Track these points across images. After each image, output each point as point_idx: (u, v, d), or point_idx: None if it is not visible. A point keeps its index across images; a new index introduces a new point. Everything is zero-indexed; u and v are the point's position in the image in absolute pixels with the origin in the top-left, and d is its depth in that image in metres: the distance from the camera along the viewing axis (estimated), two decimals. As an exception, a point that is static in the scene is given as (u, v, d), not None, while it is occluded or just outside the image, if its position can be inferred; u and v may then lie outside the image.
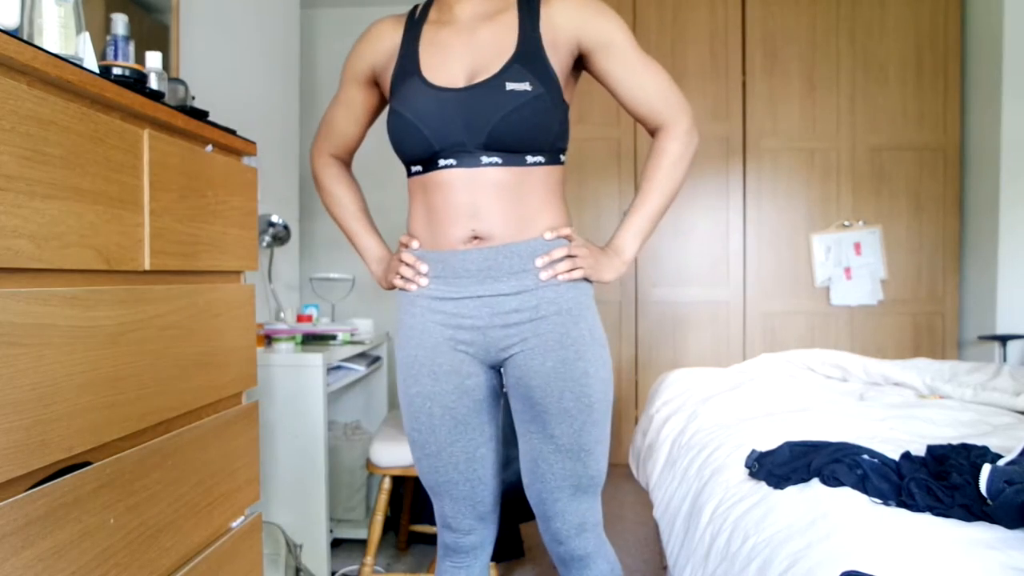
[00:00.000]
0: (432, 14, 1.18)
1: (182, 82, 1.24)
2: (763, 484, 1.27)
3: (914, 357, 2.92)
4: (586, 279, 1.16)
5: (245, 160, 1.34)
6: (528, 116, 1.07)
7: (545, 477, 1.15)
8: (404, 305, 1.19)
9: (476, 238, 1.10)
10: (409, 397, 1.17)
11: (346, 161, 1.33)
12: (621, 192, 3.28)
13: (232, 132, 1.28)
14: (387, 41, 1.19)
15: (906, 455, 1.23)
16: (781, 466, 1.27)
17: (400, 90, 1.13)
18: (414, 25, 1.18)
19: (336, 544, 2.44)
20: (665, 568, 2.10)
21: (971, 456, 1.19)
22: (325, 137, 1.30)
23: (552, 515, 1.17)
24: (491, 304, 1.11)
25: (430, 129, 1.08)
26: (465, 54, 1.11)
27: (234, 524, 1.25)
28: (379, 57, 1.20)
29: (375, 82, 1.24)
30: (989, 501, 1.01)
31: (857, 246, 3.19)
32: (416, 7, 1.22)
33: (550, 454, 1.14)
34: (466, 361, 1.15)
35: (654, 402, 2.33)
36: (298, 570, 1.90)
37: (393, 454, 2.03)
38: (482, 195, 1.09)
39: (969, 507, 1.02)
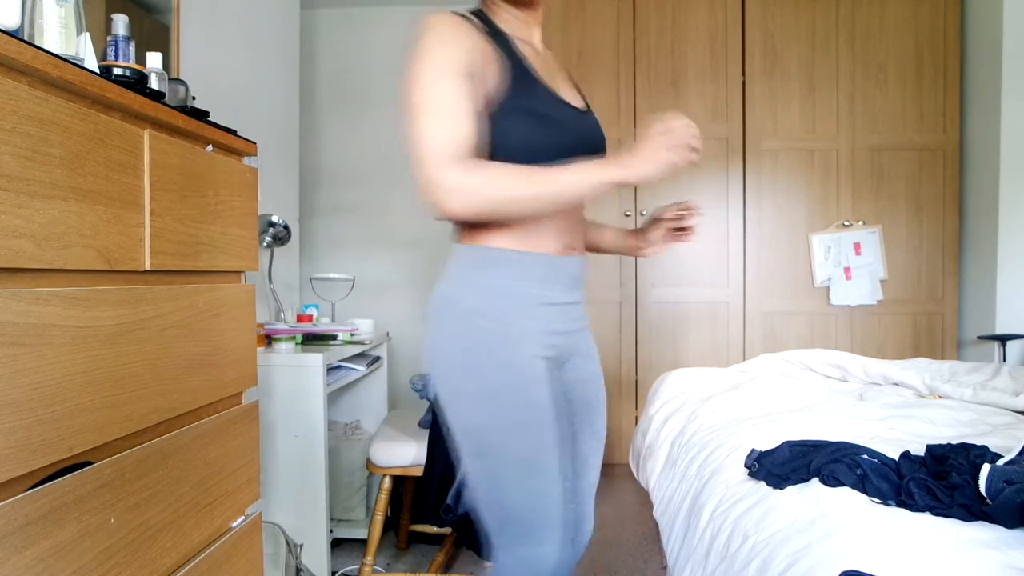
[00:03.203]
0: (512, 29, 1.13)
1: (182, 82, 1.24)
2: (763, 484, 1.27)
3: (914, 357, 2.93)
4: None
5: (245, 160, 1.34)
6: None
7: (590, 475, 1.24)
8: (503, 304, 1.06)
9: (569, 247, 1.15)
10: (526, 408, 1.04)
11: None
12: (621, 191, 3.27)
13: (232, 132, 1.28)
14: (477, 41, 1.05)
15: (905, 455, 1.23)
16: (781, 466, 1.27)
17: (532, 93, 1.07)
18: (496, 34, 1.09)
19: (336, 544, 2.44)
20: (665, 568, 2.10)
21: (970, 456, 1.19)
22: (453, 150, 0.95)
23: (584, 516, 1.23)
24: (572, 311, 1.16)
25: (571, 140, 1.10)
26: (555, 77, 1.16)
27: (234, 524, 1.26)
28: (475, 55, 1.03)
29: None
30: (988, 501, 1.01)
31: (857, 246, 3.19)
32: (478, 12, 1.12)
33: (597, 446, 1.24)
34: (553, 366, 1.11)
35: (654, 402, 2.33)
36: (298, 570, 1.90)
37: (393, 454, 2.03)
38: (574, 208, 1.16)
39: (968, 507, 1.02)
